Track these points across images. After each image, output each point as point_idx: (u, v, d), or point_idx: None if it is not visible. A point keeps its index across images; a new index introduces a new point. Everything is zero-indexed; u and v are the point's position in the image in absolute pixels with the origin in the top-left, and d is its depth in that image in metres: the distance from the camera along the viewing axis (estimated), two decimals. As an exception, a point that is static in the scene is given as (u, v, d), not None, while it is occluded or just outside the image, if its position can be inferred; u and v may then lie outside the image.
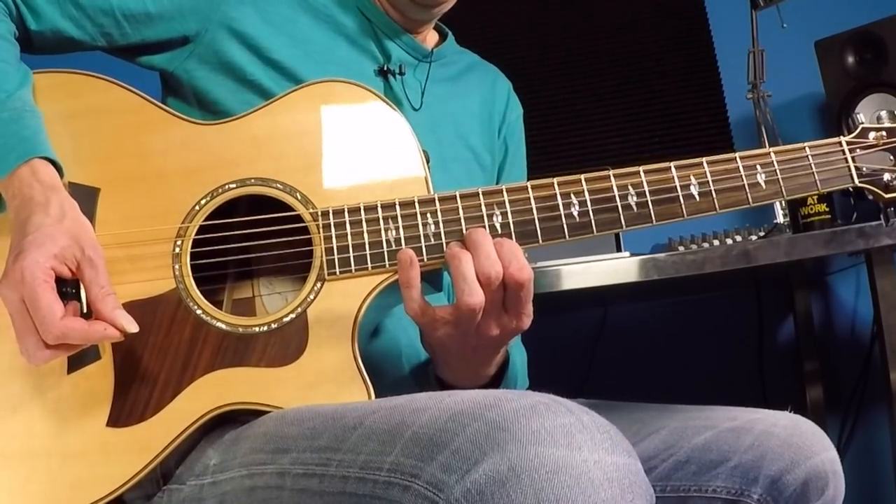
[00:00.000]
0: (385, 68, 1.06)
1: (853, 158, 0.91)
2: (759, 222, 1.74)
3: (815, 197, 1.54)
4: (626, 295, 1.90)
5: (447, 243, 0.86)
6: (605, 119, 1.91)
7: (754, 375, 2.03)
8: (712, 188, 0.89)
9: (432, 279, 0.92)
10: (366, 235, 0.87)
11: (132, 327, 0.79)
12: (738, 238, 1.58)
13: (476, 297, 0.80)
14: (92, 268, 0.79)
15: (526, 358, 1.11)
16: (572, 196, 0.88)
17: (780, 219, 1.68)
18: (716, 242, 1.56)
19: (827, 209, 1.55)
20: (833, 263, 1.90)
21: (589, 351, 2.01)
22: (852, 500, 1.30)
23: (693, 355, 2.02)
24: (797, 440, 0.93)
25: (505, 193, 0.88)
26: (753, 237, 1.59)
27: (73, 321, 0.77)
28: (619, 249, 1.64)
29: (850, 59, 1.81)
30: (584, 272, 1.41)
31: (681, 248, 1.54)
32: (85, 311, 0.80)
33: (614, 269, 1.42)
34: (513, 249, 0.82)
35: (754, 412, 0.99)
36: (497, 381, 0.96)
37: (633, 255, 1.46)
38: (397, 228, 0.87)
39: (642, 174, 0.89)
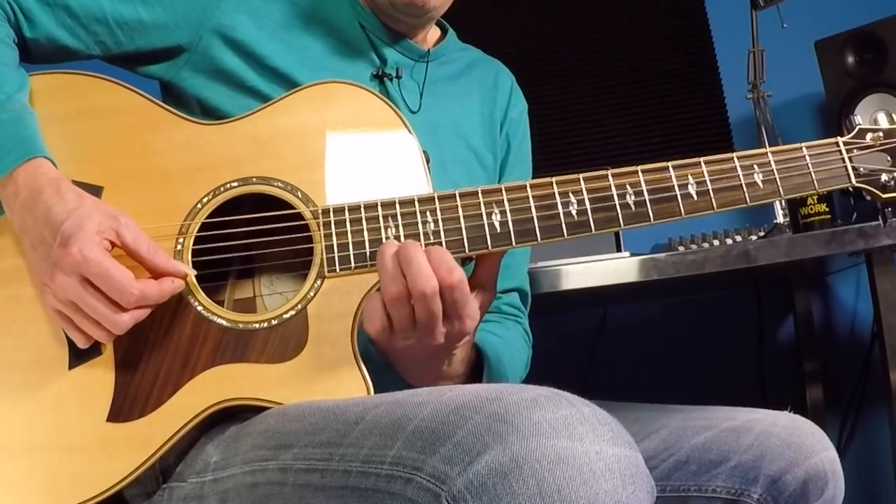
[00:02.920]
0: (380, 72, 1.06)
1: (850, 159, 0.91)
2: (759, 222, 1.74)
3: (815, 197, 1.54)
4: (626, 295, 1.91)
5: (446, 242, 0.86)
6: (605, 119, 1.90)
7: (754, 375, 2.03)
8: (710, 188, 0.89)
9: None
10: (366, 233, 0.88)
11: (190, 270, 0.85)
12: (738, 238, 1.58)
13: (397, 284, 0.80)
14: (131, 230, 0.82)
15: (526, 357, 1.11)
16: (570, 195, 0.88)
17: (780, 219, 1.67)
18: (716, 242, 1.56)
19: (827, 209, 1.55)
20: (833, 263, 1.91)
21: (589, 351, 2.01)
22: (852, 500, 1.30)
23: (693, 355, 2.02)
24: (797, 440, 0.93)
25: (504, 192, 0.88)
26: (753, 237, 1.59)
27: (147, 282, 0.80)
28: (619, 249, 1.64)
29: (850, 59, 1.80)
30: (584, 272, 1.41)
31: (681, 248, 1.54)
32: None
33: (614, 269, 1.42)
34: (440, 255, 0.81)
35: (754, 412, 0.99)
36: (475, 379, 0.95)
37: (633, 255, 1.46)
38: (397, 227, 0.88)
39: (640, 174, 0.89)
